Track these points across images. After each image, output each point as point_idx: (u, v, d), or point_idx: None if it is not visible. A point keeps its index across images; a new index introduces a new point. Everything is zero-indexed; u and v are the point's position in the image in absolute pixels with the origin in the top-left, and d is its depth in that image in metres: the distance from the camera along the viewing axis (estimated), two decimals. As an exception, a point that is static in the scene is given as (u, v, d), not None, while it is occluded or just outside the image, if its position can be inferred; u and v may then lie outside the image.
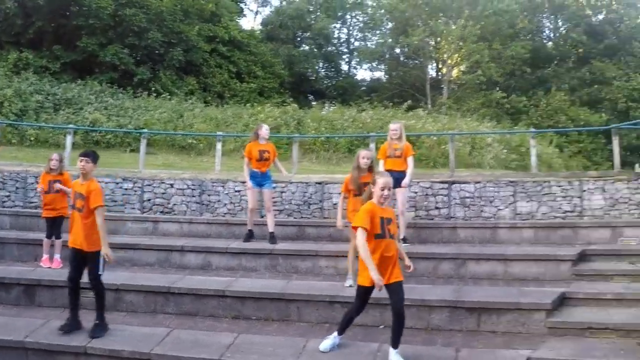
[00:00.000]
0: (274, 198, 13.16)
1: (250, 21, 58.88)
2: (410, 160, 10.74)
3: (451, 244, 11.13)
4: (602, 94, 41.70)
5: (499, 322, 7.49)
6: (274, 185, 13.22)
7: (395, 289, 6.33)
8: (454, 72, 41.87)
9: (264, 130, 11.32)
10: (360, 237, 6.28)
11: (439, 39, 38.64)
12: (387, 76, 45.87)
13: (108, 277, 8.70)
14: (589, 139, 36.86)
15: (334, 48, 47.32)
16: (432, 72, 43.27)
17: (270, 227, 11.13)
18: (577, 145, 37.27)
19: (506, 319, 7.47)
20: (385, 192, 6.42)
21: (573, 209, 12.35)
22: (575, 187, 12.44)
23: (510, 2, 41.32)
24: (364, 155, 8.94)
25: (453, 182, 12.89)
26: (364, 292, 6.49)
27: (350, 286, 8.50)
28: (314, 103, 36.40)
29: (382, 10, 42.85)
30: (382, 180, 6.49)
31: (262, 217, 12.17)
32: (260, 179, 11.14)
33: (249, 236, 11.25)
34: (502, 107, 38.01)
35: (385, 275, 6.26)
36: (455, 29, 36.67)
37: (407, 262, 6.68)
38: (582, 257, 9.72)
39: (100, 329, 7.37)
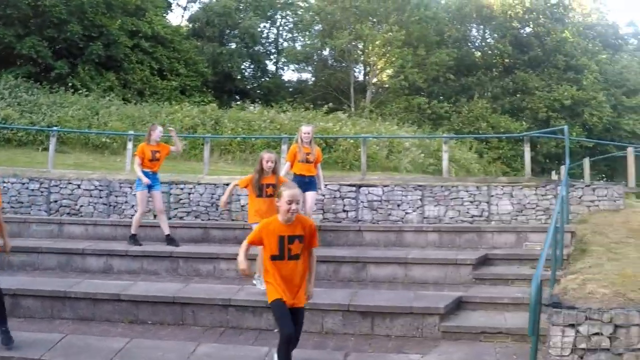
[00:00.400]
0: (181, 200, 13.03)
1: (179, 17, 57.97)
2: (319, 167, 10.77)
3: (356, 247, 11.03)
4: (524, 103, 42.80)
5: (393, 326, 7.45)
6: (182, 186, 13.06)
7: (296, 317, 5.78)
8: (381, 76, 42.14)
9: (157, 132, 11.09)
10: (242, 244, 6.05)
11: (365, 42, 38.65)
12: (313, 78, 45.83)
13: (6, 282, 8.38)
14: (508, 146, 37.76)
15: (261, 48, 46.91)
16: (360, 76, 43.55)
17: (165, 230, 10.95)
18: (496, 151, 38.12)
19: (400, 323, 7.44)
20: (293, 206, 5.64)
21: (481, 214, 12.47)
22: (484, 192, 12.57)
23: (437, 10, 41.87)
24: (267, 159, 8.66)
25: (361, 186, 12.84)
26: (278, 308, 5.70)
27: (254, 285, 8.35)
28: (238, 103, 35.79)
29: (312, 12, 42.76)
30: (289, 192, 5.68)
31: (170, 218, 12.18)
32: (151, 180, 10.87)
33: (136, 240, 10.91)
34: (424, 112, 38.41)
35: (289, 296, 5.73)
36: (380, 34, 36.80)
37: (309, 290, 5.99)
38: (485, 261, 9.79)
39: (8, 335, 7.01)
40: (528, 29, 48.38)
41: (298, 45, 44.72)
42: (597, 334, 5.69)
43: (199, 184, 13.20)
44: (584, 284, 6.48)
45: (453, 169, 23.96)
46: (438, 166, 23.40)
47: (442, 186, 12.74)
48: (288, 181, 7.51)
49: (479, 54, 48.66)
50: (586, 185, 12.97)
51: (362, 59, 41.40)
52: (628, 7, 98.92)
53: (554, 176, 26.27)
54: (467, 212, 12.49)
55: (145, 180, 10.69)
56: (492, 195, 12.52)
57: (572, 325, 5.73)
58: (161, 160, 11.11)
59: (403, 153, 23.35)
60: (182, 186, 13.17)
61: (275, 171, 8.73)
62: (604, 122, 44.30)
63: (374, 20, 39.67)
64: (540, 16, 47.13)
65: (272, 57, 48.00)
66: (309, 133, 10.48)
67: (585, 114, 43.44)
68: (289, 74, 74.12)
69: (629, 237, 10.34)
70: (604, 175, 39.51)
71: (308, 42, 43.00)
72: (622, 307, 5.81)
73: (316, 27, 43.29)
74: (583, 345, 5.68)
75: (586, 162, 22.25)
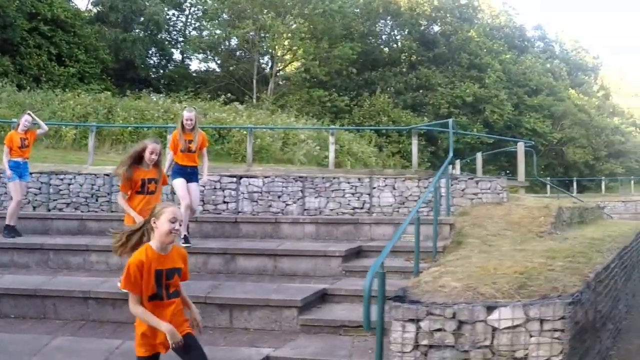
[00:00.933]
0: (61, 191, 12.79)
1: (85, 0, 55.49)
2: (205, 153, 10.17)
3: (232, 238, 10.87)
4: (427, 99, 43.64)
5: (252, 319, 7.38)
6: (62, 176, 12.74)
7: (190, 344, 4.74)
8: (286, 69, 41.98)
9: (23, 120, 11.10)
10: (131, 304, 4.61)
11: (268, 33, 38.25)
12: (220, 68, 45.20)
13: None
14: (408, 140, 38.20)
15: (168, 36, 45.93)
16: (267, 68, 43.13)
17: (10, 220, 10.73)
18: (396, 145, 38.59)
19: (258, 316, 7.37)
20: (176, 226, 4.68)
21: (362, 206, 12.49)
22: (366, 184, 12.59)
23: (343, 3, 41.92)
24: (152, 150, 7.63)
25: (242, 177, 12.74)
26: None
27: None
28: (139, 91, 34.66)
29: (218, 0, 41.98)
30: (171, 210, 4.71)
31: (49, 210, 12.07)
32: (22, 169, 10.84)
33: (13, 231, 10.60)
34: (324, 105, 38.56)
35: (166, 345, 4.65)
36: (282, 25, 36.52)
37: (196, 315, 5.01)
38: (359, 253, 9.75)
39: None
40: (436, 27, 49.41)
41: (205, 34, 43.68)
42: (440, 329, 5.40)
43: (80, 174, 12.90)
44: (440, 277, 6.32)
45: (349, 162, 24.12)
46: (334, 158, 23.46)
47: (323, 178, 12.71)
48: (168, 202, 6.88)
49: (386, 49, 49.22)
50: (470, 178, 13.07)
51: (265, 50, 40.90)
52: (539, 10, 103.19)
53: (451, 170, 26.79)
54: (349, 204, 12.49)
55: (9, 173, 10.69)
56: (374, 187, 12.56)
57: (413, 321, 5.44)
58: (30, 146, 11.16)
59: (298, 145, 23.25)
60: (62, 176, 12.83)
61: (157, 164, 7.84)
62: (505, 119, 45.85)
63: (280, 10, 39.19)
64: (448, 15, 48.16)
65: (179, 45, 47.03)
66: (191, 120, 9.68)
67: (486, 111, 44.78)
68: (196, 64, 72.23)
69: (506, 230, 10.54)
70: (507, 171, 40.59)
71: (217, 32, 42.07)
72: (469, 302, 5.51)
73: (224, 16, 42.52)
74: (425, 342, 5.40)
75: (479, 156, 22.85)
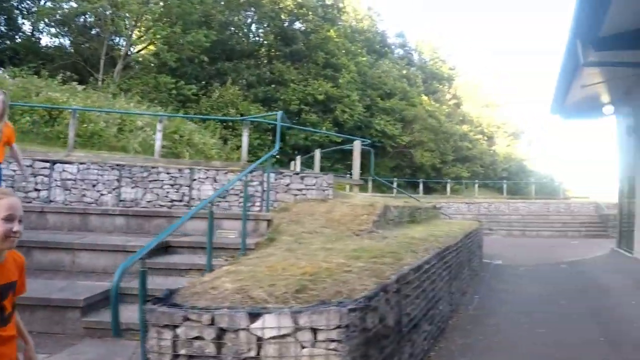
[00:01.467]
0: None
1: None
2: (17, 148, 8.66)
3: (38, 230, 10.33)
4: (278, 94, 43.78)
5: (34, 320, 6.83)
6: None
7: None
8: (137, 52, 40.58)
9: None
10: None
11: (120, 11, 36.61)
12: (71, 45, 43.04)
13: None
14: (255, 135, 38.12)
15: (18, 3, 43.15)
16: (119, 49, 41.41)
17: None
18: (242, 138, 38.28)
19: (40, 317, 6.91)
20: (16, 226, 3.37)
21: (181, 198, 12.28)
22: (186, 175, 12.38)
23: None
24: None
25: (55, 162, 12.17)
26: None
27: None
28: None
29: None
30: (6, 204, 3.36)
31: None
32: None
33: None
34: (171, 93, 37.63)
35: None
36: (136, 4, 35.14)
37: (31, 354, 3.75)
38: (167, 249, 9.50)
39: None
40: (298, 24, 49.69)
41: (59, 7, 40.88)
42: (198, 337, 4.88)
43: None
44: (218, 277, 5.80)
45: (188, 153, 23.69)
46: (173, 149, 22.94)
47: (141, 167, 12.36)
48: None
49: (244, 41, 48.90)
50: (295, 174, 13.07)
51: (115, 29, 39.01)
52: (422, 10, 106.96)
53: (292, 166, 27.12)
54: (167, 196, 12.25)
55: None
56: (195, 179, 12.36)
57: (169, 327, 4.90)
58: None
59: (135, 133, 22.53)
60: None
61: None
62: (355, 119, 46.84)
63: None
64: (310, 13, 48.53)
65: (31, 17, 44.16)
66: None
67: (337, 110, 45.53)
68: (48, 39, 68.07)
69: (325, 227, 10.50)
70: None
71: (72, 5, 39.40)
72: (232, 307, 4.96)
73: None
74: (184, 351, 4.87)
75: (317, 153, 23.13)
